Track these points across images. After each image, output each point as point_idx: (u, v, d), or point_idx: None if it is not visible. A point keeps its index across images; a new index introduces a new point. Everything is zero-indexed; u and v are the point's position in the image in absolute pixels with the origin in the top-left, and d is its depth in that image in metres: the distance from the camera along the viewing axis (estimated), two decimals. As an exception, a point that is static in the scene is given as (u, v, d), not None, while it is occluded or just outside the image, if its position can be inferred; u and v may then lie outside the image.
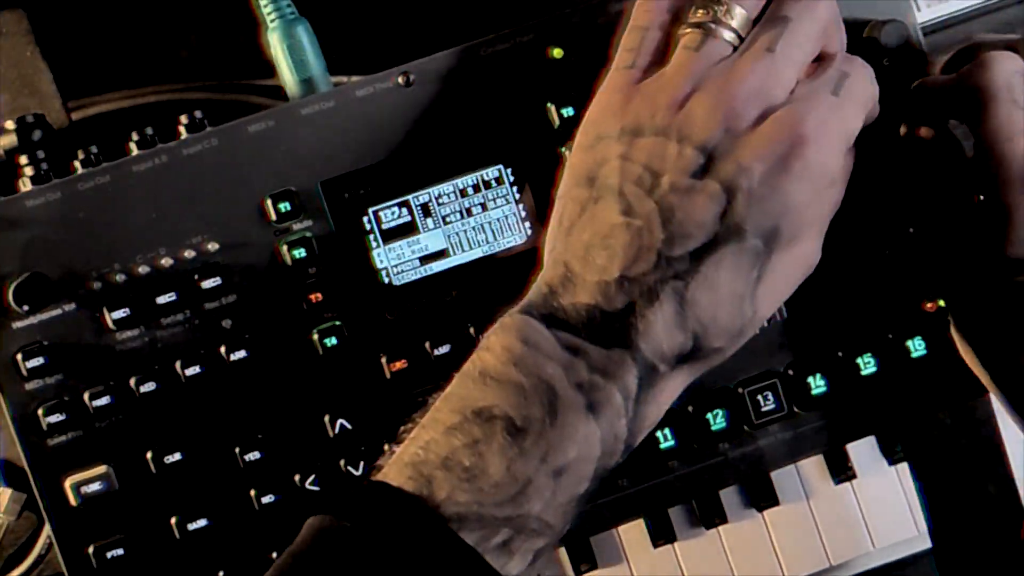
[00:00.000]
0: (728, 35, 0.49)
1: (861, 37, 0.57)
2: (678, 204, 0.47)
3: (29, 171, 0.58)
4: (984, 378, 0.57)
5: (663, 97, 0.49)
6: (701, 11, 0.50)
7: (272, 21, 0.61)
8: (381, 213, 0.58)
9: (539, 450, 0.45)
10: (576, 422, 0.46)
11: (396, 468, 0.47)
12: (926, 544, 0.65)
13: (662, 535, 0.63)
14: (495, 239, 0.59)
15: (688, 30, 0.50)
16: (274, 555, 0.58)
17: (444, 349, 0.58)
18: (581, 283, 0.47)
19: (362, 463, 0.58)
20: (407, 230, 0.59)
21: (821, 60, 0.50)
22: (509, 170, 0.59)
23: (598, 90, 0.52)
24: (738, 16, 0.49)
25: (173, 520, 0.57)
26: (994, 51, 0.55)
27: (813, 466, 0.65)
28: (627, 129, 0.49)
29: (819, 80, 0.49)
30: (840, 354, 0.59)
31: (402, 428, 0.49)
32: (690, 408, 0.60)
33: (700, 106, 0.48)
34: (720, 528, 0.64)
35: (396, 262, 0.59)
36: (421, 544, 0.44)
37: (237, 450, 0.57)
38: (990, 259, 0.53)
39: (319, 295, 0.58)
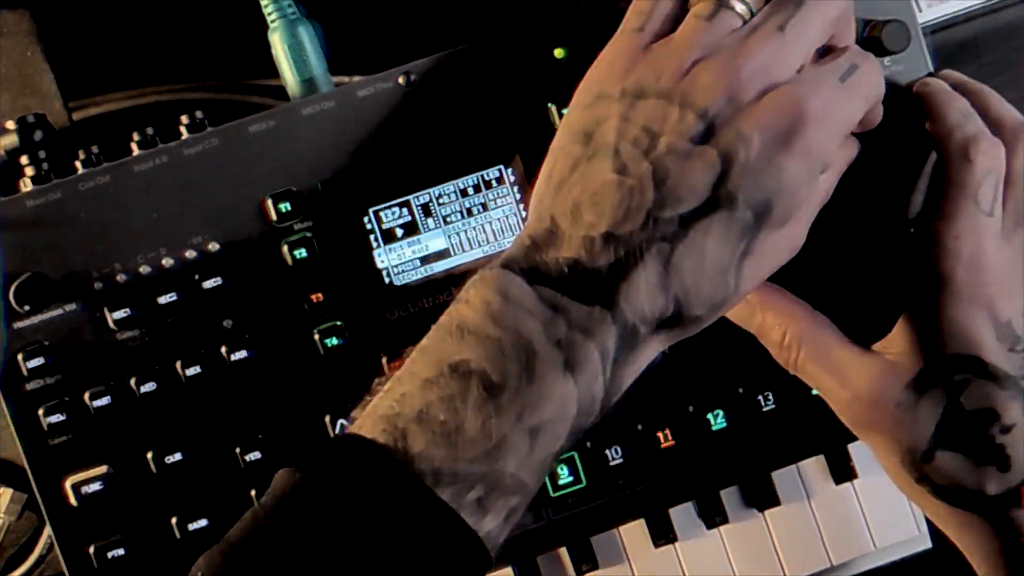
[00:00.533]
0: (740, 8, 0.49)
1: (862, 37, 0.57)
2: (674, 167, 0.46)
3: (30, 171, 0.58)
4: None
5: (669, 62, 0.48)
6: None
7: (273, 21, 0.61)
8: (382, 213, 0.58)
9: (515, 407, 0.45)
10: (553, 380, 0.45)
11: (370, 421, 0.46)
12: (926, 544, 0.65)
13: (663, 535, 0.63)
14: (496, 239, 0.59)
15: None
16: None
17: (445, 349, 0.58)
18: (566, 239, 0.47)
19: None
20: (408, 230, 0.59)
21: (833, 51, 0.50)
22: (510, 170, 0.59)
23: (603, 50, 0.51)
24: None
25: (173, 520, 0.57)
26: (986, 143, 0.54)
27: (814, 466, 0.64)
28: (629, 91, 0.48)
29: (828, 66, 0.49)
30: (841, 354, 0.59)
31: (377, 380, 0.48)
32: (690, 408, 0.60)
33: (705, 74, 0.47)
34: (721, 528, 0.64)
35: (397, 262, 0.59)
36: (394, 499, 0.43)
37: (237, 450, 0.57)
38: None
39: (320, 295, 0.58)
